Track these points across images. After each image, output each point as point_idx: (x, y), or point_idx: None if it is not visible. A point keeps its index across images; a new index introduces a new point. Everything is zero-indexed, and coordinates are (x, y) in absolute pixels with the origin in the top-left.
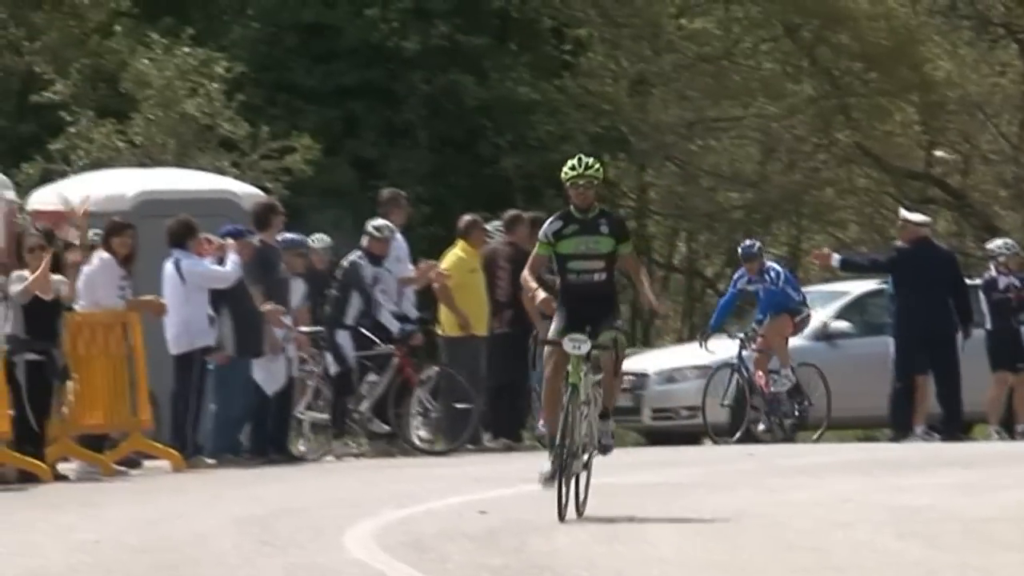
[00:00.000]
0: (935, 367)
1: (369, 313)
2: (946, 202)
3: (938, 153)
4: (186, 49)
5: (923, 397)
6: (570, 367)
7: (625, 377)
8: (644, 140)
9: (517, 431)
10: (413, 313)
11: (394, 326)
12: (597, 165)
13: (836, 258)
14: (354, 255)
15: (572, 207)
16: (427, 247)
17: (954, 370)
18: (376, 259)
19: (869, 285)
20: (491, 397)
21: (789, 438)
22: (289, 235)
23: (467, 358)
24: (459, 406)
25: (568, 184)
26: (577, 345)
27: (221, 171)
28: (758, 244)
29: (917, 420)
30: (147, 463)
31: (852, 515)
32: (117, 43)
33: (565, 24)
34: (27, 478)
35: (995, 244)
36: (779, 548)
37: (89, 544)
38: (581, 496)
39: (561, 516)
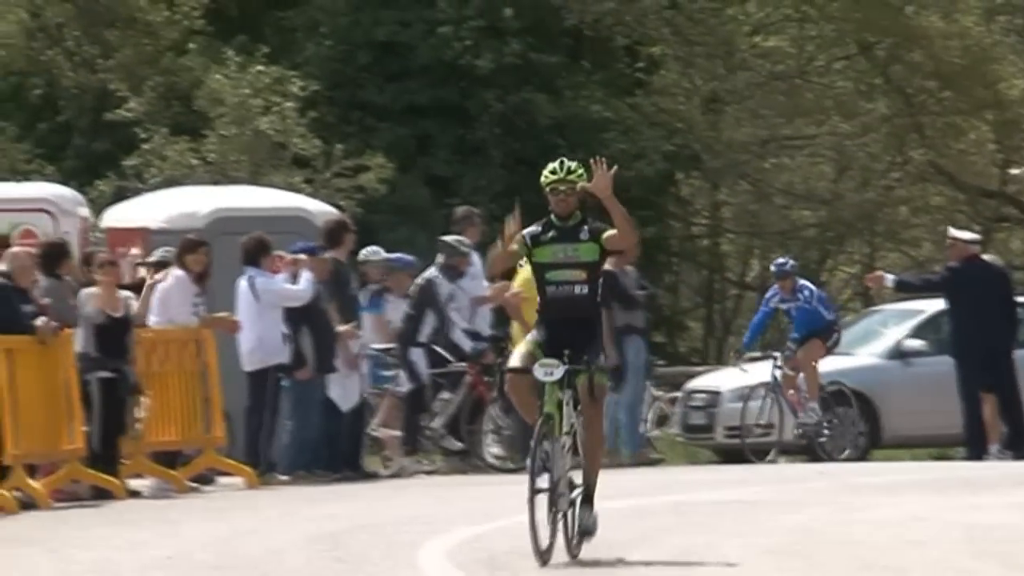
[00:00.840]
0: (994, 385)
1: (443, 331)
2: (1020, 220)
3: (1013, 171)
4: (260, 67)
5: (992, 415)
6: (545, 396)
7: (698, 395)
8: (717, 158)
9: None
10: (486, 331)
11: (467, 344)
12: (580, 170)
13: (890, 279)
14: (430, 272)
15: (552, 215)
16: None
17: (1013, 387)
18: (456, 274)
19: (944, 304)
20: None
21: (819, 457)
22: (399, 255)
23: None
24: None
25: (548, 190)
26: (549, 371)
27: (294, 189)
28: (791, 262)
29: (991, 439)
30: (220, 480)
31: (927, 533)
32: (191, 61)
33: (638, 42)
34: (101, 495)
35: None
36: (853, 567)
37: (163, 560)
38: (573, 538)
39: (543, 561)
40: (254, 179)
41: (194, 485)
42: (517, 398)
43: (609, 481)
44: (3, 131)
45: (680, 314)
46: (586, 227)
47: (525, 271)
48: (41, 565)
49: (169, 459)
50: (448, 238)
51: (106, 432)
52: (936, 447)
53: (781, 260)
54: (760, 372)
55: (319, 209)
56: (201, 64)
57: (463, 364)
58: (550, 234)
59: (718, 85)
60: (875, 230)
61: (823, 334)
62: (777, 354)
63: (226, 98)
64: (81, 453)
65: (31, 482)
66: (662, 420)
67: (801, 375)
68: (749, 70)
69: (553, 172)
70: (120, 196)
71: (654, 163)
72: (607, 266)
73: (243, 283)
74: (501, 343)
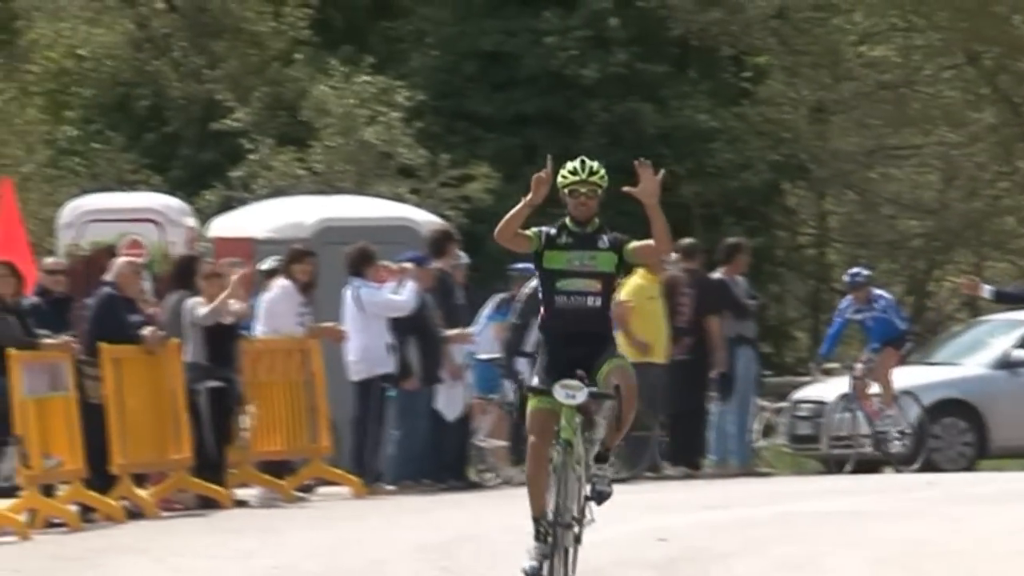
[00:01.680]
0: None
1: None
2: None
3: None
4: (366, 77)
5: None
6: (562, 420)
7: (804, 405)
8: (824, 168)
9: (696, 458)
10: None
11: None
12: (602, 171)
13: (988, 289)
14: (535, 282)
15: (568, 219)
16: None
17: None
18: None
19: None
20: (671, 424)
21: (901, 468)
22: (522, 265)
23: (645, 385)
24: (637, 433)
25: (567, 191)
26: (571, 394)
27: (400, 199)
28: (864, 272)
29: None
30: (327, 489)
31: None
32: (297, 71)
33: (744, 52)
34: (207, 504)
35: None
36: None
37: (269, 570)
38: (570, 573)
39: None
40: (360, 189)
41: (301, 495)
42: (538, 434)
43: (715, 491)
44: (110, 141)
45: (786, 324)
46: (605, 236)
47: (632, 281)
48: (148, 574)
49: (276, 468)
50: None
51: (213, 441)
52: None
53: (854, 270)
54: (845, 383)
55: (424, 219)
56: (307, 74)
57: None
58: (566, 239)
59: (824, 95)
60: (982, 240)
61: (897, 343)
62: (859, 365)
63: (332, 108)
64: (188, 463)
65: (138, 491)
66: (768, 430)
67: (876, 385)
68: (855, 79)
69: (573, 172)
70: (227, 206)
71: (760, 173)
72: (718, 275)
73: (348, 293)
74: None
